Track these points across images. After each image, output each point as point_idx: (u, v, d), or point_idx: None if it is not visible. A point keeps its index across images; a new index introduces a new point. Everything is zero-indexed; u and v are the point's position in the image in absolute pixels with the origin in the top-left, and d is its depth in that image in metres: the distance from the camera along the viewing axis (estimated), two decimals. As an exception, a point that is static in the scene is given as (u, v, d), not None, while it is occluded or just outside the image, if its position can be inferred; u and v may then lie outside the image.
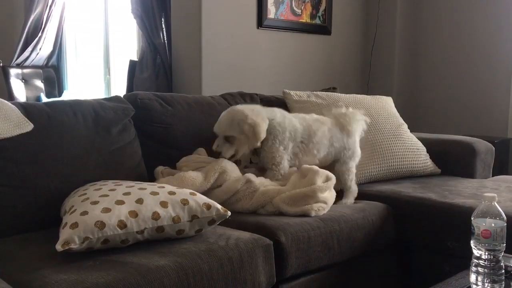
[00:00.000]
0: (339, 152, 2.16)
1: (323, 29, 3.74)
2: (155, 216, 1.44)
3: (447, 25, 3.81)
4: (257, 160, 2.08)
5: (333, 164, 2.17)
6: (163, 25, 3.41)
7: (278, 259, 1.64)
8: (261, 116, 1.98)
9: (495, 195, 1.26)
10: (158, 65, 3.38)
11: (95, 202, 1.42)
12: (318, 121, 2.14)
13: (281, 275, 1.66)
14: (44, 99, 4.13)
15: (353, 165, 2.19)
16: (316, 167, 1.94)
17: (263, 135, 1.94)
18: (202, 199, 1.55)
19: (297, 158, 2.06)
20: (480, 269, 1.25)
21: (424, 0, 3.92)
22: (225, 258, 1.46)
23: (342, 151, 2.16)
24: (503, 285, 1.25)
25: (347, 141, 2.17)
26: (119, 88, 4.11)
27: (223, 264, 1.45)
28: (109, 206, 1.41)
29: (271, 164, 2.01)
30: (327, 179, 1.92)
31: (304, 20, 3.62)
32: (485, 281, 1.25)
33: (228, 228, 1.65)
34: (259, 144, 1.97)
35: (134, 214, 1.41)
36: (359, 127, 2.22)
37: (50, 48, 4.37)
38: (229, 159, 1.96)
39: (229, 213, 1.56)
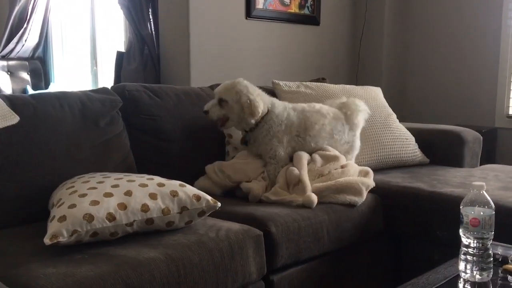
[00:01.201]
0: (340, 146, 2.14)
1: (312, 19, 3.73)
2: (144, 208, 1.43)
3: (436, 16, 3.81)
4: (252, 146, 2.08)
5: None
6: (150, 16, 3.37)
7: (269, 249, 1.64)
8: (262, 99, 2.01)
9: (484, 183, 1.27)
10: (146, 56, 3.35)
11: (83, 195, 1.41)
12: (319, 112, 2.11)
13: (271, 265, 1.66)
14: (31, 91, 4.07)
15: (351, 158, 2.19)
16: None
17: (258, 113, 1.96)
18: (192, 190, 1.54)
19: (294, 151, 2.06)
20: (469, 257, 1.26)
21: (412, -10, 3.92)
22: (215, 250, 1.45)
23: (343, 145, 2.15)
24: (492, 273, 1.27)
25: (348, 134, 2.16)
26: (107, 80, 4.07)
27: (213, 256, 1.44)
28: (98, 198, 1.40)
29: (268, 157, 2.02)
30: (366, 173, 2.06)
31: (292, 11, 3.60)
32: (474, 269, 1.26)
33: (218, 220, 1.65)
34: (253, 122, 1.97)
35: (123, 206, 1.40)
36: (362, 119, 2.20)
37: (36, 40, 4.31)
38: (217, 124, 2.02)
39: (219, 204, 1.56)
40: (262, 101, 2.00)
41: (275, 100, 2.11)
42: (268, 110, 2.03)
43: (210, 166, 2.04)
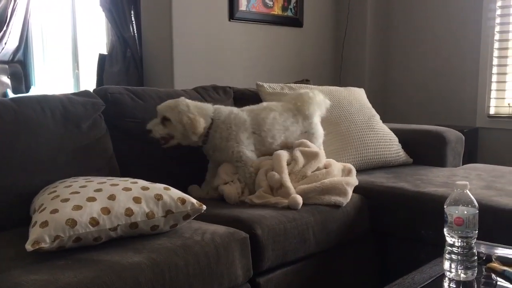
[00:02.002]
0: (299, 136, 2.17)
1: (295, 21, 3.74)
2: (128, 212, 1.41)
3: (417, 18, 3.85)
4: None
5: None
6: (132, 18, 3.34)
7: (255, 252, 1.63)
8: (204, 114, 2.02)
9: (467, 183, 1.28)
10: (128, 59, 3.32)
11: (66, 200, 1.39)
12: (267, 108, 2.15)
13: (257, 268, 1.65)
14: (11, 95, 4.01)
15: (317, 145, 2.21)
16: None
17: (199, 130, 1.98)
18: (177, 193, 1.53)
19: (256, 149, 2.07)
20: (453, 256, 1.27)
21: (394, -8, 3.96)
22: (201, 253, 1.44)
23: (303, 135, 2.18)
24: (476, 272, 1.28)
25: (305, 123, 2.19)
26: (89, 83, 4.02)
27: (199, 259, 1.43)
28: (80, 203, 1.38)
29: (234, 161, 2.02)
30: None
31: (276, 12, 3.60)
32: (459, 268, 1.27)
33: (203, 223, 1.64)
34: (195, 139, 1.99)
35: (106, 210, 1.38)
36: (316, 109, 2.23)
37: (16, 43, 4.24)
38: (160, 143, 2.00)
39: (204, 207, 1.55)
40: (202, 118, 2.01)
41: (221, 107, 2.12)
42: (212, 120, 2.04)
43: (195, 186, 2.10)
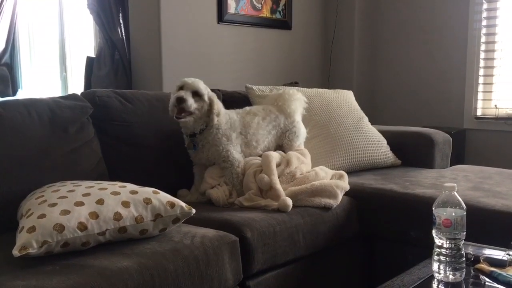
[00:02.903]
0: (280, 137, 2.19)
1: (284, 24, 3.75)
2: (117, 217, 1.40)
3: (405, 20, 3.88)
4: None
5: (280, 149, 2.18)
6: (120, 21, 3.32)
7: (245, 255, 1.63)
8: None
9: (455, 185, 1.30)
10: (117, 62, 3.30)
11: (53, 204, 1.37)
12: (250, 113, 2.16)
13: (247, 271, 1.65)
14: (-3, 98, 3.96)
15: (299, 144, 2.23)
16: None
17: (222, 112, 1.99)
18: (166, 197, 1.52)
19: (241, 151, 2.07)
20: (442, 258, 1.28)
21: (381, -5, 3.98)
22: (190, 257, 1.44)
23: (284, 134, 2.19)
24: (464, 273, 1.29)
25: (287, 122, 2.20)
26: (77, 86, 3.99)
27: (189, 263, 1.42)
28: (68, 208, 1.36)
29: (221, 161, 2.01)
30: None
31: (264, 15, 3.61)
32: (447, 269, 1.28)
33: (193, 226, 1.63)
34: (216, 121, 1.96)
35: (94, 215, 1.37)
36: (297, 106, 2.25)
37: (3, 46, 4.19)
38: (179, 115, 1.91)
39: (193, 210, 1.54)
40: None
41: None
42: None
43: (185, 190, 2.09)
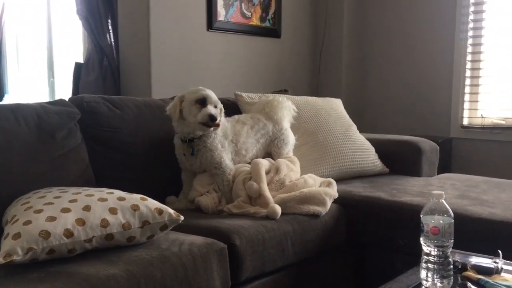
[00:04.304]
0: (268, 145, 2.21)
1: (273, 32, 3.76)
2: (104, 224, 1.38)
3: (392, 31, 3.92)
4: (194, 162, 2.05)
5: (269, 157, 2.19)
6: (109, 27, 3.31)
7: (233, 262, 1.62)
8: None
9: (443, 192, 1.30)
10: (105, 68, 3.28)
11: (39, 211, 1.35)
12: (239, 121, 2.17)
13: (236, 278, 1.64)
14: (-17, 103, 3.91)
15: (287, 151, 2.23)
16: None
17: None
18: (154, 204, 1.51)
19: (232, 158, 2.07)
20: (430, 265, 1.29)
21: (370, 6, 4.02)
22: (178, 264, 1.42)
23: (273, 142, 2.20)
24: (452, 280, 1.29)
25: (276, 130, 2.22)
26: (64, 92, 3.96)
27: (176, 271, 1.41)
28: (54, 214, 1.34)
29: (213, 168, 2.00)
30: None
31: (254, 23, 3.62)
32: (435, 277, 1.28)
33: (181, 233, 1.62)
34: (220, 123, 1.98)
35: (81, 222, 1.36)
36: (285, 113, 2.26)
37: (-11, 50, 4.15)
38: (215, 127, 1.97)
39: (181, 217, 1.53)
40: None
41: None
42: None
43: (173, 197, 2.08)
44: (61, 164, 1.78)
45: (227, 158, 2.03)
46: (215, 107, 1.98)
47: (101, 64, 3.28)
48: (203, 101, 1.94)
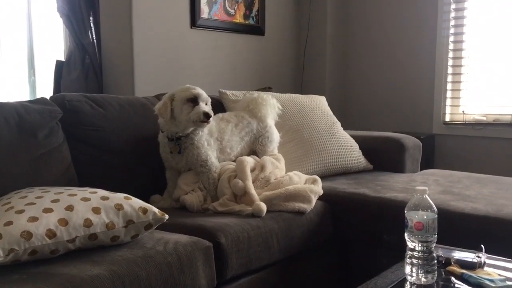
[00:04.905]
0: (253, 143, 2.21)
1: (257, 29, 3.76)
2: (87, 223, 1.37)
3: (375, 28, 3.95)
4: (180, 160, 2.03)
5: (254, 154, 2.19)
6: (91, 24, 3.26)
7: (219, 261, 1.62)
8: None
9: (426, 188, 1.31)
10: (87, 66, 3.24)
11: (21, 211, 1.33)
12: (223, 119, 2.17)
13: (221, 277, 1.64)
14: (-39, 102, 3.83)
15: (272, 149, 2.23)
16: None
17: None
18: (138, 203, 1.49)
19: (217, 156, 2.07)
20: (414, 261, 1.30)
21: (353, 3, 4.04)
22: (163, 264, 1.41)
23: (257, 139, 2.21)
24: (436, 275, 1.31)
25: (260, 127, 2.22)
26: (45, 90, 3.90)
27: (161, 270, 1.40)
28: (36, 214, 1.32)
29: (199, 165, 1.99)
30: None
31: (237, 20, 3.61)
32: (419, 272, 1.29)
33: (166, 232, 1.61)
34: (211, 121, 1.96)
35: (64, 222, 1.34)
36: (269, 111, 2.27)
37: (-33, 48, 4.07)
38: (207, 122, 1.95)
39: (166, 216, 1.52)
40: None
41: None
42: None
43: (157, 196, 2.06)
44: (43, 163, 1.75)
45: (212, 156, 2.02)
46: (206, 104, 1.97)
47: (83, 62, 3.24)
48: (194, 100, 1.93)
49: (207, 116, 1.91)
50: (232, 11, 3.57)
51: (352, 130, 2.83)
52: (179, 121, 1.93)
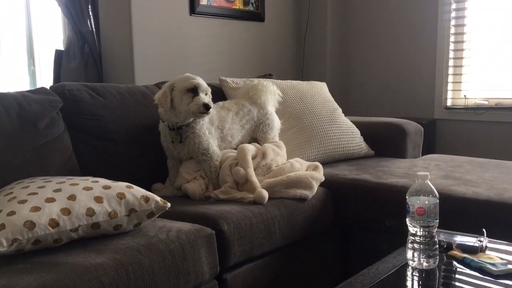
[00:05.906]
0: (254, 130, 2.20)
1: (256, 16, 3.73)
2: (90, 213, 1.37)
3: (375, 13, 3.92)
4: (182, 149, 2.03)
5: (255, 142, 2.19)
6: (90, 13, 3.24)
7: (221, 248, 1.62)
8: None
9: (428, 173, 1.31)
10: (87, 55, 3.23)
11: (23, 201, 1.34)
12: (224, 107, 2.16)
13: (224, 264, 1.65)
14: (-38, 93, 3.83)
15: (273, 136, 2.23)
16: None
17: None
18: (140, 191, 1.50)
19: (218, 144, 2.07)
20: (416, 245, 1.30)
21: (353, -13, 4.01)
22: (166, 251, 1.42)
23: (258, 127, 2.20)
24: (438, 260, 1.31)
25: (260, 115, 2.22)
26: (45, 80, 3.89)
27: (164, 258, 1.41)
28: (39, 204, 1.33)
29: (200, 154, 1.99)
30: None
31: (237, 7, 3.58)
32: (421, 256, 1.30)
33: (168, 220, 1.61)
34: (210, 112, 1.94)
35: (66, 211, 1.34)
36: (269, 98, 2.26)
37: (-34, 38, 4.05)
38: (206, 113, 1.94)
39: (168, 204, 1.52)
40: None
41: None
42: None
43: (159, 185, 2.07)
44: (44, 153, 1.75)
45: (214, 144, 2.02)
46: (206, 94, 1.96)
47: (83, 51, 3.23)
48: (194, 90, 1.92)
49: (206, 107, 1.90)
50: (232, -2, 3.53)
51: (353, 116, 2.82)
52: (179, 111, 1.92)
